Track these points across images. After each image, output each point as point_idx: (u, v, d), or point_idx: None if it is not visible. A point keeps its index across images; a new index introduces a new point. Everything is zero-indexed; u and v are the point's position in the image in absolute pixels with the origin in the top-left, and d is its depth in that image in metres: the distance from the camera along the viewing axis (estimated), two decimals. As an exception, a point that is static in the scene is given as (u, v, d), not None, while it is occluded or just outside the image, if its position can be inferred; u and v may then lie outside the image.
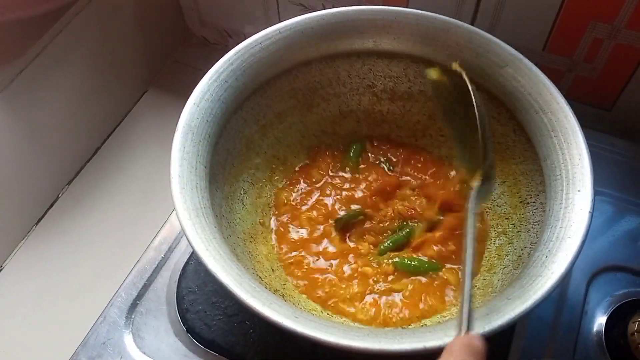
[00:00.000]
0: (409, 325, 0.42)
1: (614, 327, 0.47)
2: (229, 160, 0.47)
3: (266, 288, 0.42)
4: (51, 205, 0.69)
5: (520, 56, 0.44)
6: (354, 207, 0.50)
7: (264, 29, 0.46)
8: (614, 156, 0.59)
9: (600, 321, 0.48)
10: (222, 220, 0.44)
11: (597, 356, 0.46)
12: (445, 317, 0.43)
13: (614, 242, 0.53)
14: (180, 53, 0.81)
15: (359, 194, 0.50)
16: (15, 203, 0.65)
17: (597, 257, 0.51)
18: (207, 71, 0.44)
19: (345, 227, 0.49)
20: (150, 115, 0.76)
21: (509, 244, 0.45)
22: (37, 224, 0.68)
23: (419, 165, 0.52)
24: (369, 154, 0.53)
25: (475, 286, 0.44)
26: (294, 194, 0.51)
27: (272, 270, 0.46)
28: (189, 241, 0.36)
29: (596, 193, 0.38)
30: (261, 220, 0.49)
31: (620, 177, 0.58)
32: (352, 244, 0.48)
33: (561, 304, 0.48)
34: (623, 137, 0.61)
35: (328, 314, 0.44)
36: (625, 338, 0.46)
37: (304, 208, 0.50)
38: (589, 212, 0.37)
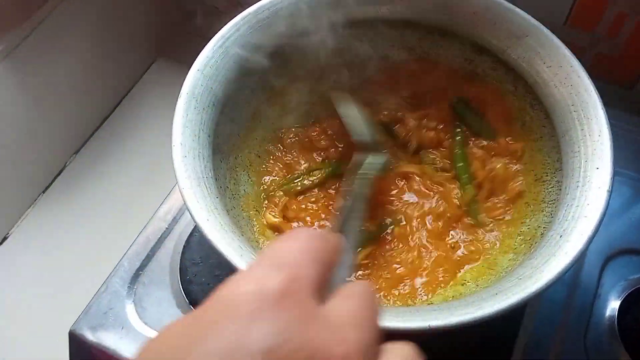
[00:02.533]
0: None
1: (628, 311, 0.46)
2: (234, 130, 0.45)
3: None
4: (58, 174, 0.69)
5: (541, 26, 0.42)
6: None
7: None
8: (634, 136, 0.57)
9: (613, 305, 0.46)
10: (226, 192, 0.43)
11: (608, 341, 0.45)
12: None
13: (631, 225, 0.51)
14: (190, 22, 0.79)
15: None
16: (23, 171, 0.64)
17: (613, 239, 0.50)
18: (217, 39, 0.42)
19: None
20: (159, 84, 0.75)
21: (522, 223, 0.43)
22: (43, 192, 0.68)
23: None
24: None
25: (484, 266, 0.43)
26: (301, 167, 0.50)
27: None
28: (189, 211, 0.35)
29: (615, 174, 0.36)
30: (267, 193, 0.48)
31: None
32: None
33: (574, 286, 0.47)
34: (644, 117, 0.59)
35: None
36: (638, 323, 0.44)
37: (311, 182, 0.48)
38: (607, 190, 0.35)
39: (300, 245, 0.22)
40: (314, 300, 0.20)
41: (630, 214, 0.52)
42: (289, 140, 0.50)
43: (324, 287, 0.21)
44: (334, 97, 0.43)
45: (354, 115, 0.40)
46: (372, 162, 0.38)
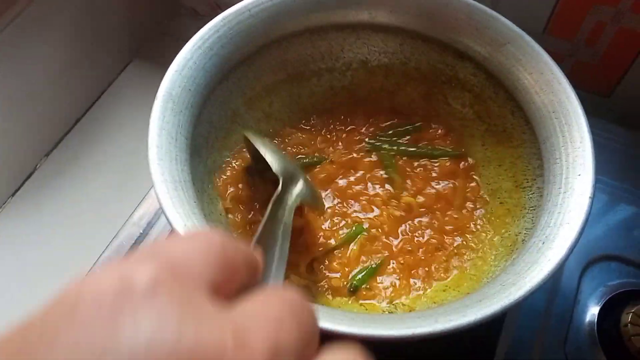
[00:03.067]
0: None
1: (607, 317, 0.46)
2: (213, 133, 0.44)
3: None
4: (28, 177, 0.67)
5: (522, 33, 0.42)
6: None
7: None
8: (610, 143, 0.58)
9: (592, 311, 0.46)
10: (203, 196, 0.42)
11: (588, 347, 0.45)
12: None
13: (608, 231, 0.51)
14: (168, 24, 0.78)
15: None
16: (-10, 173, 0.62)
17: (591, 246, 0.50)
18: (194, 42, 0.41)
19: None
20: (134, 86, 0.73)
21: (503, 229, 0.43)
22: (12, 195, 0.65)
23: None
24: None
25: (465, 272, 0.43)
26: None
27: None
28: (165, 216, 0.34)
29: (593, 180, 0.36)
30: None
31: (617, 164, 0.57)
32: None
33: (553, 293, 0.47)
34: (621, 125, 0.60)
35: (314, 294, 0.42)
36: (618, 329, 0.44)
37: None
38: (590, 197, 0.35)
39: (196, 245, 0.18)
40: (207, 300, 0.17)
41: (607, 220, 0.52)
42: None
43: (226, 295, 0.18)
44: (249, 135, 0.43)
45: (272, 150, 0.41)
46: (296, 191, 0.38)
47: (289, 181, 0.38)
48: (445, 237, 0.45)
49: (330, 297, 0.41)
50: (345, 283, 0.42)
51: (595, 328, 0.45)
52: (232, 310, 0.17)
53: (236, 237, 0.44)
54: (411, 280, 0.43)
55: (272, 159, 0.39)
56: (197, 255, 0.18)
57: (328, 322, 0.31)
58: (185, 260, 0.17)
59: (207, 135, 0.44)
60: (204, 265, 0.18)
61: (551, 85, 0.40)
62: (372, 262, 0.43)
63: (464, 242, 0.45)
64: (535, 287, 0.32)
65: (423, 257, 0.44)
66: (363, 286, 0.42)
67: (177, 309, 0.16)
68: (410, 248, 0.44)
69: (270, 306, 0.18)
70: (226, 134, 0.46)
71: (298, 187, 0.38)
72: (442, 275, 0.43)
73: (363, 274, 0.42)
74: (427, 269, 0.43)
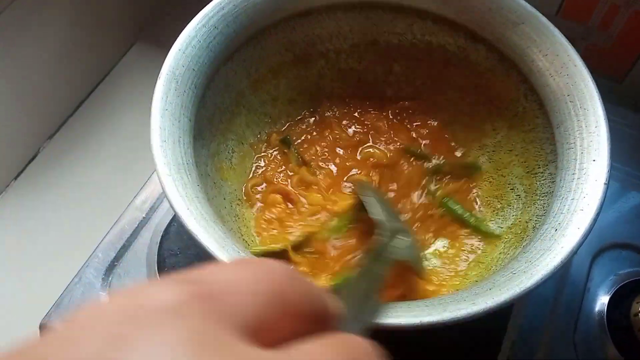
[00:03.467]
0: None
1: (617, 307, 0.45)
2: (217, 116, 0.43)
3: (252, 254, 0.39)
4: (31, 160, 0.66)
5: (538, 13, 0.41)
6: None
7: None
8: (623, 128, 0.57)
9: (602, 300, 0.45)
10: (207, 180, 0.41)
11: (597, 336, 0.44)
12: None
13: (620, 219, 0.50)
14: (171, 5, 0.76)
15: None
16: (-8, 156, 0.61)
17: (602, 233, 0.49)
18: (197, 23, 0.40)
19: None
20: (137, 69, 0.72)
21: (514, 216, 0.42)
22: (15, 178, 0.65)
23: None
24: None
25: (475, 260, 0.42)
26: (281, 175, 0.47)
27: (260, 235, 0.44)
28: (168, 199, 0.33)
29: (606, 167, 0.35)
30: (250, 182, 0.46)
31: (629, 150, 0.55)
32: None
33: (563, 281, 0.46)
34: (633, 110, 0.58)
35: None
36: (628, 319, 0.44)
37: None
38: (604, 183, 0.34)
39: (247, 274, 0.15)
40: (240, 339, 0.14)
41: (618, 207, 0.51)
42: (274, 127, 0.49)
43: (277, 340, 0.15)
44: (356, 184, 0.43)
45: (374, 201, 0.39)
46: (396, 245, 0.35)
47: (392, 231, 0.36)
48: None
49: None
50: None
51: (605, 317, 0.45)
52: (275, 352, 0.14)
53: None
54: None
55: (374, 209, 0.38)
56: (243, 287, 0.15)
57: (334, 309, 0.30)
58: (225, 289, 0.14)
59: (211, 117, 0.42)
60: (247, 298, 0.15)
61: (567, 68, 0.39)
62: None
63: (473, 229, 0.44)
64: (547, 275, 0.31)
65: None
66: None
67: (195, 343, 0.13)
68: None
69: (328, 352, 0.14)
70: (231, 117, 0.45)
71: (402, 242, 0.36)
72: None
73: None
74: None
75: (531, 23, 0.41)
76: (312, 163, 0.47)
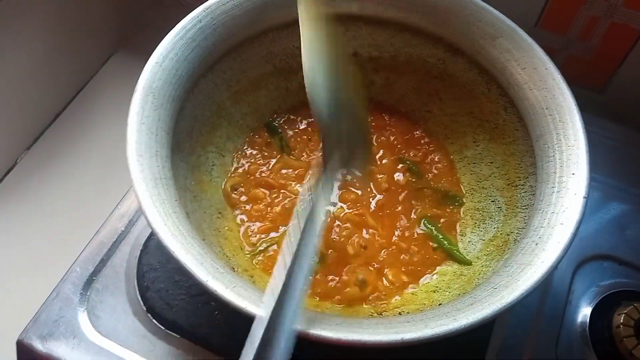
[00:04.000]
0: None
1: (599, 318, 0.45)
2: (197, 128, 0.43)
3: (234, 268, 0.39)
4: (8, 172, 0.65)
5: (516, 27, 0.41)
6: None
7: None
8: (603, 140, 0.57)
9: (585, 312, 0.46)
10: (186, 194, 0.40)
11: (580, 348, 0.44)
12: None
13: (601, 230, 0.51)
14: (151, 15, 0.76)
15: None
16: (-32, 168, 0.60)
17: (584, 245, 0.49)
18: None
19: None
20: (116, 79, 0.71)
21: (495, 228, 0.42)
22: (-8, 191, 0.64)
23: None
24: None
25: (456, 272, 0.42)
26: (264, 167, 0.47)
27: (241, 248, 0.43)
28: (144, 215, 0.32)
29: (586, 178, 0.35)
30: (228, 182, 0.46)
31: (609, 161, 0.56)
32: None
33: (545, 293, 0.46)
34: (614, 121, 0.59)
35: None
36: (610, 330, 0.44)
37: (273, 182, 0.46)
38: (584, 197, 0.34)
39: None
40: None
41: (599, 218, 0.52)
42: (255, 139, 0.48)
43: None
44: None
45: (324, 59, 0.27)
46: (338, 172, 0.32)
47: (334, 145, 0.29)
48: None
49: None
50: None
51: (587, 329, 0.45)
52: None
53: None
54: (400, 279, 0.42)
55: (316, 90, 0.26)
56: None
57: (312, 327, 0.29)
58: None
59: (190, 130, 0.42)
60: None
61: (545, 81, 0.39)
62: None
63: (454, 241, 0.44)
64: (528, 290, 0.31)
65: (412, 257, 0.43)
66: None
67: None
68: (400, 247, 0.43)
69: None
70: (211, 129, 0.45)
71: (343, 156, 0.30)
72: (431, 274, 0.42)
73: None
74: (417, 268, 0.42)
75: (509, 37, 0.41)
76: (295, 150, 0.47)
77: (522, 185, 0.41)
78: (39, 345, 0.43)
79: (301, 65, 0.48)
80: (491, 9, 0.42)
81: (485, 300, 0.31)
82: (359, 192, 0.46)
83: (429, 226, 0.44)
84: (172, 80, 0.38)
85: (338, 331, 0.29)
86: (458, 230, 0.44)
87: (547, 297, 0.46)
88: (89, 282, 0.46)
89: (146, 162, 0.34)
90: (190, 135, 0.42)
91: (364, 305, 0.40)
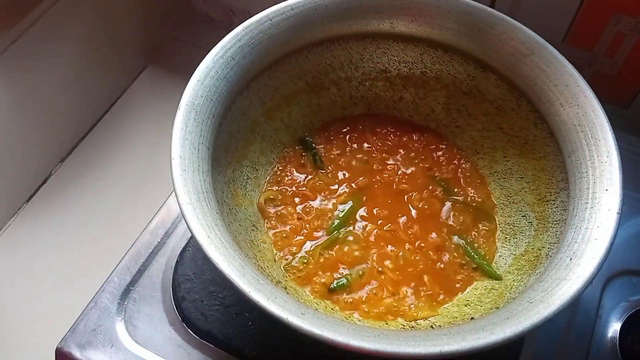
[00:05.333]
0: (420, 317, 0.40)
1: (629, 333, 0.45)
2: (232, 143, 0.44)
3: (268, 279, 0.40)
4: (43, 183, 0.67)
5: (547, 44, 0.42)
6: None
7: (270, 7, 0.44)
8: (629, 155, 0.57)
9: (614, 327, 0.46)
10: (223, 207, 0.41)
11: (610, 363, 0.44)
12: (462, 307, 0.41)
13: (629, 245, 0.51)
14: (182, 30, 0.78)
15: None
16: (6, 179, 0.62)
17: (612, 260, 0.48)
18: (209, 49, 0.41)
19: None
20: (148, 93, 0.73)
21: (526, 242, 0.42)
22: (27, 201, 0.66)
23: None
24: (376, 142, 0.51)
25: (487, 286, 0.42)
26: (297, 182, 0.48)
27: (274, 260, 0.44)
28: (189, 227, 0.33)
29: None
30: (263, 196, 0.47)
31: (636, 176, 0.56)
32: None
33: (575, 308, 0.46)
34: (639, 136, 0.59)
35: (332, 308, 0.42)
36: (640, 345, 0.44)
37: (306, 197, 0.47)
38: (617, 212, 0.35)
39: None
40: None
41: (627, 233, 0.52)
42: (287, 153, 0.49)
43: None
44: None
45: None
46: None
47: None
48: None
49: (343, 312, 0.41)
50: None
51: (617, 344, 0.45)
52: None
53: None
54: (432, 293, 0.42)
55: None
56: None
57: (353, 338, 0.30)
58: None
59: (226, 145, 0.43)
60: None
61: (577, 98, 0.40)
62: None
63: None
64: (564, 304, 0.31)
65: (444, 271, 0.43)
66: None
67: None
68: (432, 262, 0.44)
69: None
70: (245, 144, 0.46)
71: None
72: (462, 289, 0.42)
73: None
74: (449, 282, 0.43)
75: (541, 54, 0.42)
76: (329, 167, 0.48)
77: (554, 200, 0.42)
78: (77, 354, 0.44)
79: (331, 81, 0.49)
80: (523, 27, 0.43)
81: (521, 314, 0.31)
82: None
83: (461, 241, 0.45)
84: (212, 97, 0.39)
85: (377, 342, 0.30)
86: (489, 245, 0.45)
87: (576, 312, 0.46)
88: (126, 292, 0.47)
89: (189, 176, 0.35)
90: (227, 150, 0.43)
91: (397, 319, 0.41)
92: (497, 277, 0.42)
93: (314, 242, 0.45)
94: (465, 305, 0.41)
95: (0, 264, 0.59)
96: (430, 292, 0.42)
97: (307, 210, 0.47)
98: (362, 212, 0.47)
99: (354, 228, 0.46)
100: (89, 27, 0.66)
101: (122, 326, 0.45)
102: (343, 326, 0.31)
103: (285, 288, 0.42)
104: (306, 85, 0.49)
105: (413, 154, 0.50)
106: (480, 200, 0.47)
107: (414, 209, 0.47)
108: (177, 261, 0.48)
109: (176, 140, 0.36)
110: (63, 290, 0.56)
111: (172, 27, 0.78)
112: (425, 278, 0.43)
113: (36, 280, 0.58)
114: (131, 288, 0.47)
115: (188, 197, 0.35)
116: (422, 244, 0.45)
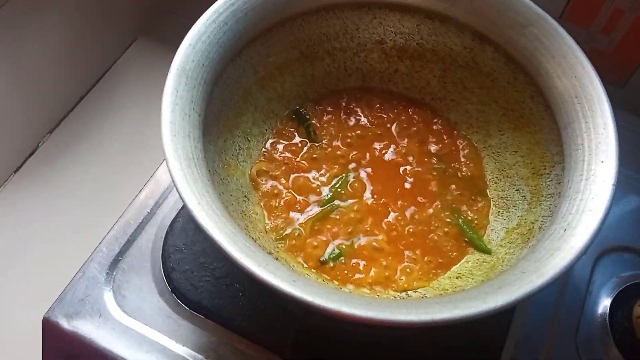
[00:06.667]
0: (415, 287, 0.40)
1: (619, 309, 0.45)
2: (224, 112, 0.43)
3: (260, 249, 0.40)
4: (31, 154, 0.66)
5: (546, 15, 0.41)
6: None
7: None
8: (625, 133, 0.55)
9: (605, 303, 0.46)
10: (214, 176, 0.41)
11: (600, 338, 0.44)
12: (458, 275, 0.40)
13: (621, 222, 0.51)
14: (173, 2, 0.76)
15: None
16: (-8, 149, 0.61)
17: (604, 236, 0.48)
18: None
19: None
20: (139, 64, 0.72)
21: (519, 216, 0.42)
22: (15, 172, 0.65)
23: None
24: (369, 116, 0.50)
25: (479, 259, 0.42)
26: (290, 154, 0.48)
27: (266, 231, 0.44)
28: (179, 193, 0.33)
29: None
30: (255, 167, 0.46)
31: (630, 154, 0.55)
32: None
33: (565, 283, 0.46)
34: (635, 114, 0.59)
35: (323, 280, 0.41)
36: (630, 321, 0.44)
37: (299, 169, 0.47)
38: (613, 184, 0.34)
39: None
40: None
41: (620, 210, 0.52)
42: (279, 124, 0.49)
43: None
44: None
45: None
46: None
47: None
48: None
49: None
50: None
51: (607, 319, 0.45)
52: None
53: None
54: (424, 265, 0.42)
55: None
56: None
57: (344, 305, 0.30)
58: None
59: (218, 113, 0.42)
60: None
61: (574, 70, 0.39)
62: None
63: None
64: (557, 274, 0.31)
65: (437, 244, 0.43)
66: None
67: None
68: (424, 234, 0.43)
69: None
70: (238, 113, 0.45)
71: None
72: (455, 261, 0.42)
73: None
74: (441, 255, 0.42)
75: (540, 25, 0.41)
76: (323, 140, 0.48)
77: (548, 174, 0.41)
78: (64, 324, 0.44)
79: (326, 51, 0.48)
80: (521, -3, 0.42)
81: (514, 284, 0.31)
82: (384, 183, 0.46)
83: (454, 215, 0.44)
84: (204, 63, 0.38)
85: (369, 310, 0.30)
86: (482, 219, 0.45)
87: (567, 287, 0.46)
88: (115, 262, 0.47)
89: (180, 141, 0.35)
90: (218, 118, 0.43)
91: (389, 291, 0.40)
92: (487, 251, 0.42)
93: (306, 214, 0.44)
94: (457, 278, 0.41)
95: (-13, 234, 0.59)
96: (423, 265, 0.42)
97: (300, 182, 0.46)
98: (355, 185, 0.46)
99: (346, 201, 0.45)
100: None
101: (111, 296, 0.45)
102: (335, 294, 0.31)
103: (277, 259, 0.41)
104: (300, 55, 0.48)
105: (407, 128, 0.49)
106: (473, 174, 0.47)
107: (407, 182, 0.47)
108: (167, 232, 0.47)
109: (166, 105, 0.36)
110: (51, 260, 0.56)
111: (164, -2, 0.77)
112: (418, 251, 0.43)
113: (24, 250, 0.57)
114: (120, 258, 0.47)
115: (178, 163, 0.34)
116: (415, 217, 0.45)
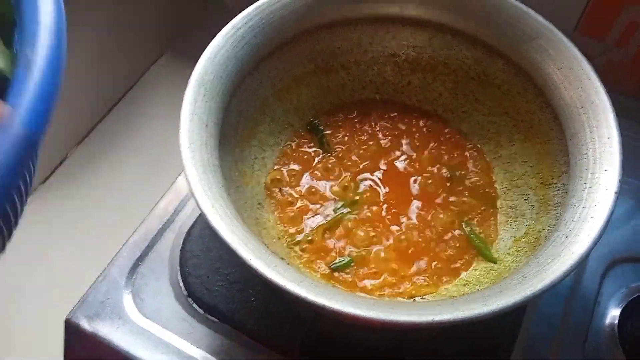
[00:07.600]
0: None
1: (628, 319, 0.45)
2: (241, 123, 0.45)
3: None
4: (59, 165, 0.69)
5: (553, 27, 0.42)
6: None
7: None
8: (638, 145, 0.57)
9: (613, 313, 0.46)
10: (230, 184, 0.42)
11: (608, 348, 0.44)
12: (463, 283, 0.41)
13: (633, 233, 0.51)
14: (197, 19, 0.79)
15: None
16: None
17: (614, 247, 0.49)
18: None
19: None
20: (165, 79, 0.75)
21: (527, 225, 0.43)
22: (43, 182, 0.67)
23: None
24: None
25: (486, 267, 0.43)
26: (304, 165, 0.49)
27: (278, 238, 0.45)
28: (194, 197, 0.34)
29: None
30: (270, 175, 0.48)
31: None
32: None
33: (573, 293, 0.47)
34: (651, 127, 0.59)
35: (333, 286, 0.42)
36: (639, 331, 0.44)
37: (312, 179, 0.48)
38: (615, 192, 0.35)
39: None
40: None
41: (632, 222, 0.52)
42: (295, 136, 0.50)
43: None
44: None
45: None
46: None
47: None
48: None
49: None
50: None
51: (616, 330, 0.45)
52: None
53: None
54: (433, 273, 0.43)
55: None
56: None
57: (347, 306, 0.31)
58: None
59: (235, 124, 0.44)
60: None
61: (580, 81, 0.40)
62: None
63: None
64: (558, 279, 0.32)
65: (446, 252, 0.44)
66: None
67: None
68: (434, 243, 0.44)
69: None
70: (254, 124, 0.47)
71: None
72: (463, 269, 0.43)
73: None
74: (449, 263, 0.43)
75: (547, 37, 0.42)
76: (337, 151, 0.49)
77: (555, 184, 0.42)
78: (85, 325, 0.46)
79: (340, 64, 0.50)
80: (530, 10, 0.43)
81: (515, 287, 0.32)
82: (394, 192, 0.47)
83: (463, 224, 0.45)
84: (222, 75, 0.40)
85: (370, 310, 0.31)
86: (491, 228, 0.45)
87: (575, 297, 0.47)
88: (134, 267, 0.48)
89: (197, 149, 0.36)
90: (236, 129, 0.44)
91: (396, 297, 0.41)
92: (494, 261, 0.43)
93: (317, 222, 0.46)
94: (464, 285, 0.41)
95: (16, 239, 0.61)
96: (431, 272, 0.43)
97: (313, 191, 0.47)
98: (366, 194, 0.47)
99: (358, 209, 0.46)
100: (107, 14, 0.67)
101: (130, 299, 0.47)
102: (339, 294, 0.32)
103: (289, 264, 0.42)
104: (316, 68, 0.49)
105: (419, 139, 0.50)
106: (484, 184, 0.47)
107: (418, 192, 0.48)
108: (184, 238, 0.49)
109: (185, 115, 0.38)
110: (75, 264, 0.58)
111: (187, 16, 0.79)
112: (427, 259, 0.44)
113: (49, 255, 0.60)
114: (139, 263, 0.49)
115: (195, 170, 0.36)
116: (426, 226, 0.45)
